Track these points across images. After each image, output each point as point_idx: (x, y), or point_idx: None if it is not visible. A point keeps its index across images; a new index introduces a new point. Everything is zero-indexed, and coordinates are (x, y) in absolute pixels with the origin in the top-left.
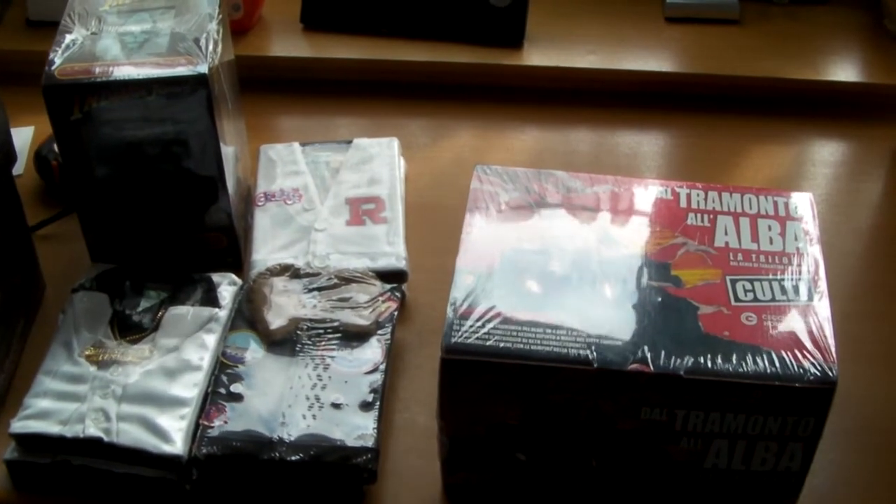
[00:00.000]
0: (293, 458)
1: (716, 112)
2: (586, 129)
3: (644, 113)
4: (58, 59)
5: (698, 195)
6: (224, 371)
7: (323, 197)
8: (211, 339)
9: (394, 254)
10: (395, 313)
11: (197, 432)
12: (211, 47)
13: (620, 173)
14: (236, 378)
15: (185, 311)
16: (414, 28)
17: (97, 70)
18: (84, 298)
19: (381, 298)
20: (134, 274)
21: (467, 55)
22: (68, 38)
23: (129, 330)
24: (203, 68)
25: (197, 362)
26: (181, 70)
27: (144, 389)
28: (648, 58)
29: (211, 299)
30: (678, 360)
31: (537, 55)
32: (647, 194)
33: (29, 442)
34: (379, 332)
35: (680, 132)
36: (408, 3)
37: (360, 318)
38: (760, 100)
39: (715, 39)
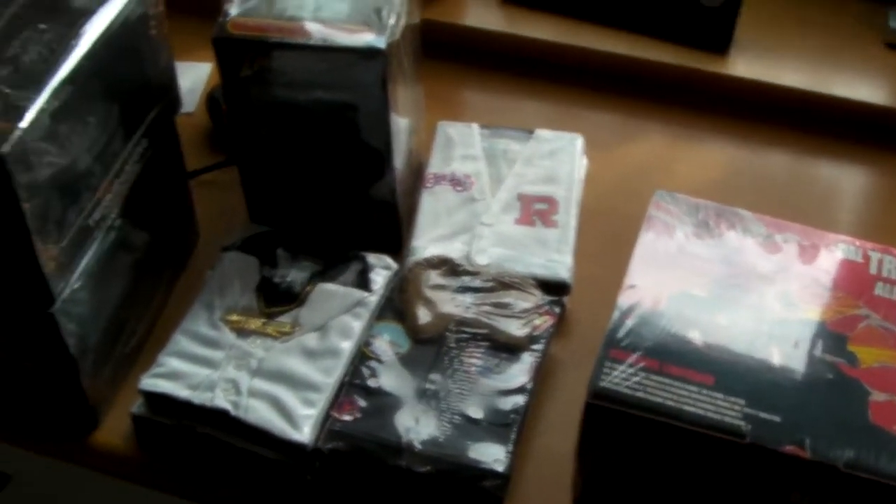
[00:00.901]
0: (419, 469)
1: None
2: (784, 152)
3: (849, 144)
4: (233, 9)
5: (891, 262)
6: (364, 362)
7: (495, 188)
8: (357, 326)
9: (560, 263)
10: (552, 329)
11: (326, 422)
12: (393, 20)
13: (813, 206)
14: (375, 372)
15: (335, 291)
16: (616, 16)
17: (272, 29)
18: (233, 259)
19: (538, 311)
20: (288, 241)
21: (669, 54)
22: None
23: (275, 300)
24: (380, 42)
25: (339, 348)
26: (358, 40)
27: (280, 367)
28: (861, 85)
29: (363, 282)
30: (838, 450)
31: (742, 65)
32: (835, 252)
33: (156, 401)
34: (532, 346)
35: (886, 171)
36: None
37: (514, 329)
38: None
39: None
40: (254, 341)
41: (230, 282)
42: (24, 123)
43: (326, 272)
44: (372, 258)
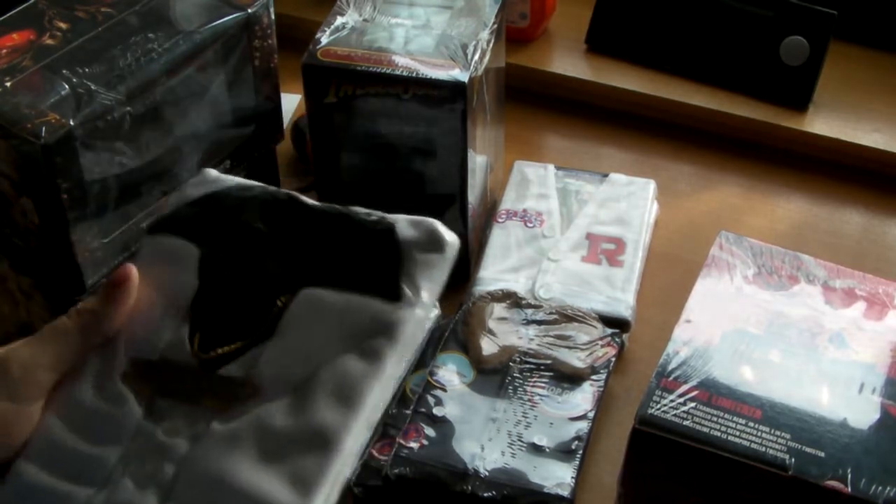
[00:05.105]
0: (486, 494)
1: None
2: (857, 210)
3: None
4: (324, 38)
5: None
6: (429, 391)
7: (565, 227)
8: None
9: (623, 301)
10: (613, 360)
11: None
12: (477, 56)
13: (882, 266)
14: (441, 401)
15: None
16: (698, 70)
17: (359, 58)
18: None
19: (600, 342)
20: None
21: (748, 109)
22: (340, 20)
23: None
24: (463, 77)
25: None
26: (441, 74)
27: None
28: None
29: None
30: (879, 488)
31: (820, 123)
32: (893, 300)
33: None
34: (593, 377)
35: None
36: (698, 45)
37: (577, 360)
38: None
39: None
40: None
41: None
42: (78, 120)
43: None
44: None
